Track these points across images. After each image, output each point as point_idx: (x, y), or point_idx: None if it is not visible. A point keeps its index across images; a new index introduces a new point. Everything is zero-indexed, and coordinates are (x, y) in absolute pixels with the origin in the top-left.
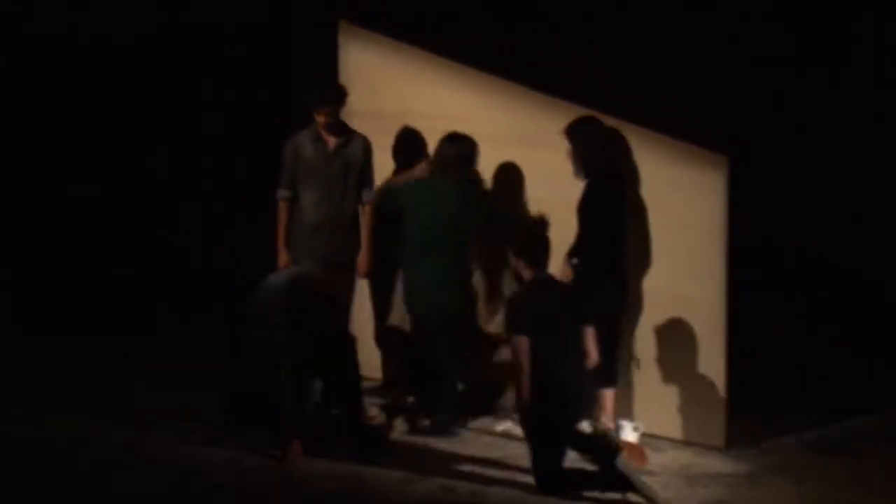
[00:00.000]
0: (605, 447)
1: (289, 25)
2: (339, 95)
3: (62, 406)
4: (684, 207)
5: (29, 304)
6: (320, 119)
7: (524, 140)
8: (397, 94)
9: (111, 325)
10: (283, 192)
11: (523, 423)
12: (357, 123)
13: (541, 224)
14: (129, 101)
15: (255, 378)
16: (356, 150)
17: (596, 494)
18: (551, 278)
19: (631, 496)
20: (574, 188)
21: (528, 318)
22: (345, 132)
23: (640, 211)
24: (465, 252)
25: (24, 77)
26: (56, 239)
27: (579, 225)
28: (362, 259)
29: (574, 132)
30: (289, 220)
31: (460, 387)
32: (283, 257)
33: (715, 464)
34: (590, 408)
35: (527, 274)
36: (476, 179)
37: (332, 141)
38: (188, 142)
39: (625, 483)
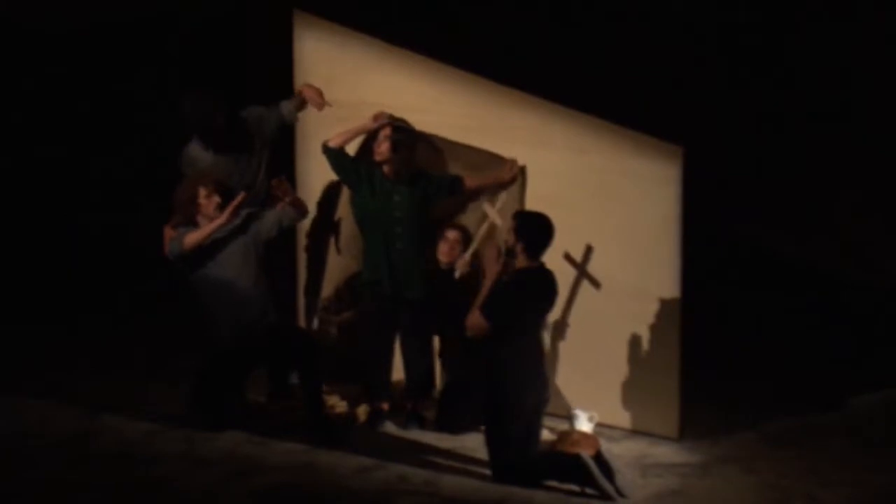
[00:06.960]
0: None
1: (244, 15)
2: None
3: (8, 394)
4: (639, 198)
5: None
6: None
7: (481, 131)
8: (353, 84)
9: (57, 313)
10: None
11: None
12: (313, 114)
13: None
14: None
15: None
16: (244, 130)
17: (554, 484)
18: (544, 269)
19: (588, 490)
20: (532, 179)
21: (506, 305)
22: (228, 127)
23: (594, 201)
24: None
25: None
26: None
27: None
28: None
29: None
30: None
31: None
32: None
33: (668, 454)
34: (549, 398)
35: (521, 260)
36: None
37: (220, 140)
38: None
39: (585, 477)
